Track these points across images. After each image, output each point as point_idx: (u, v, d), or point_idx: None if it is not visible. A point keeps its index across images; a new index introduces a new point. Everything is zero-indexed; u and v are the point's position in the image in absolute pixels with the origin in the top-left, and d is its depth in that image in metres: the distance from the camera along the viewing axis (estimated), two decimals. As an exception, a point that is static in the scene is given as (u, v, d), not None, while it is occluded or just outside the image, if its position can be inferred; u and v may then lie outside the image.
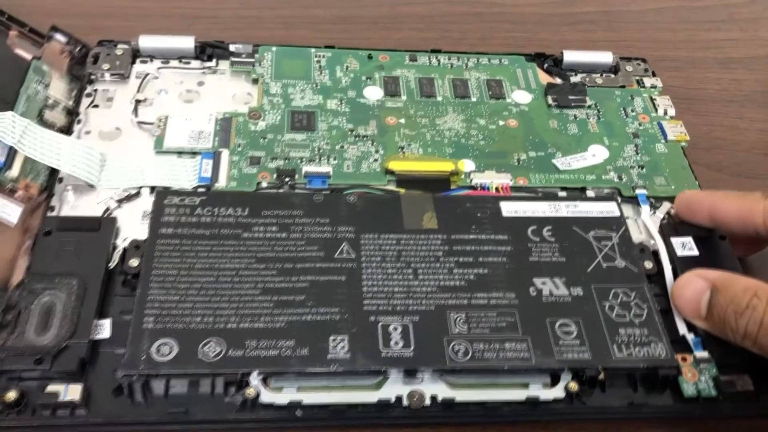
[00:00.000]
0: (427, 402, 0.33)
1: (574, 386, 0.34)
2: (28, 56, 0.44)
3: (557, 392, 0.34)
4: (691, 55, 0.58)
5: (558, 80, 0.51)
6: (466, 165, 0.43)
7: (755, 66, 0.58)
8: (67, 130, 0.43)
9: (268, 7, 0.58)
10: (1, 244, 0.37)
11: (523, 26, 0.59)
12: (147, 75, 0.47)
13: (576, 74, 0.51)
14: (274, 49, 0.49)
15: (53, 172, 0.40)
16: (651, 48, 0.53)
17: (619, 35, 0.59)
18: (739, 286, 0.34)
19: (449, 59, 0.51)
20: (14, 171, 0.39)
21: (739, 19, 0.62)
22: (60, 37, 0.47)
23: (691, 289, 0.36)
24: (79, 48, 0.48)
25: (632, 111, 0.49)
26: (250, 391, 0.32)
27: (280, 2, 0.58)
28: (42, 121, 0.42)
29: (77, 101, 0.45)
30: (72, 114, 0.44)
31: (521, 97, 0.49)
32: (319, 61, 0.49)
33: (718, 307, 0.34)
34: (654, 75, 0.52)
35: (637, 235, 0.41)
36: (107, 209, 0.39)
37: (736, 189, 0.44)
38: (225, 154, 0.42)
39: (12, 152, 0.39)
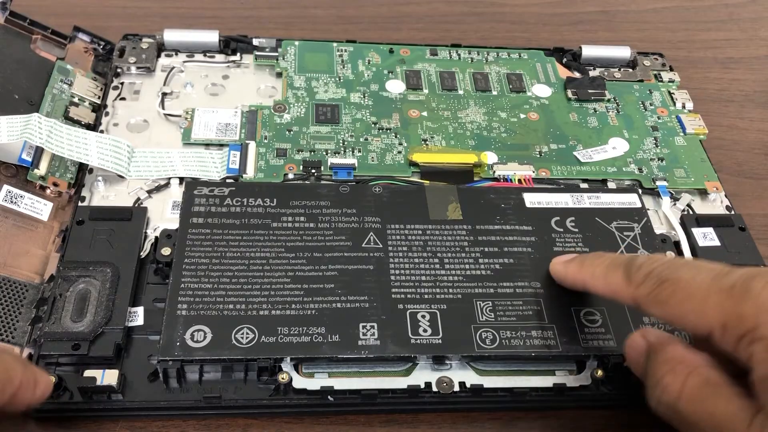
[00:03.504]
0: (456, 388, 0.34)
1: (599, 373, 0.34)
2: (52, 58, 0.45)
3: (583, 379, 0.35)
4: (691, 55, 0.58)
5: (577, 74, 0.51)
6: (489, 157, 0.44)
7: (755, 66, 0.58)
8: (93, 125, 0.44)
9: (268, 7, 0.58)
10: (34, 240, 0.38)
11: (523, 26, 0.59)
12: (172, 68, 0.47)
13: (594, 69, 0.52)
14: (297, 43, 0.50)
15: (82, 167, 0.41)
16: (651, 48, 0.54)
17: (619, 35, 0.59)
18: (662, 356, 0.29)
19: (469, 53, 0.51)
20: (42, 169, 0.39)
21: (739, 19, 0.62)
22: (83, 37, 0.48)
23: (633, 350, 0.32)
24: (102, 45, 0.49)
25: (651, 105, 0.49)
26: (282, 377, 0.33)
27: (280, 2, 0.59)
28: (68, 118, 0.43)
29: (104, 95, 0.45)
30: (98, 110, 0.45)
31: (541, 90, 0.49)
32: (341, 55, 0.50)
33: (645, 376, 0.30)
34: (671, 69, 0.52)
35: (658, 226, 0.41)
36: (138, 199, 0.40)
37: (735, 189, 0.45)
38: (252, 145, 0.43)
39: (39, 151, 0.40)
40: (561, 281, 0.36)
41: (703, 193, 0.44)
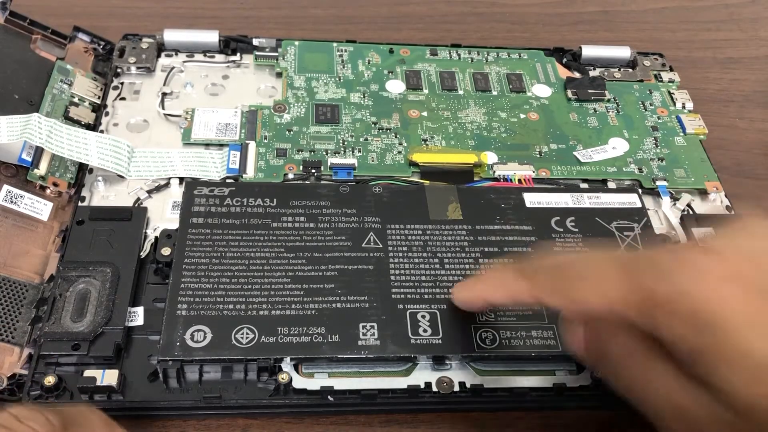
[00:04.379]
0: (456, 388, 0.34)
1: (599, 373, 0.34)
2: (51, 58, 0.45)
3: (583, 379, 0.35)
4: (691, 55, 0.58)
5: (577, 74, 0.51)
6: (489, 157, 0.44)
7: (755, 66, 0.58)
8: (93, 125, 0.43)
9: (268, 7, 0.58)
10: (34, 240, 0.38)
11: (523, 26, 0.59)
12: (172, 68, 0.47)
13: (594, 69, 0.52)
14: (297, 43, 0.50)
15: (82, 167, 0.41)
16: (651, 48, 0.54)
17: (619, 35, 0.59)
18: None
19: (469, 53, 0.51)
20: (42, 169, 0.39)
21: (739, 19, 0.62)
22: (83, 37, 0.48)
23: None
24: (102, 45, 0.49)
25: (651, 105, 0.49)
26: (282, 377, 0.33)
27: (280, 2, 0.59)
28: (68, 118, 0.43)
29: (104, 95, 0.45)
30: (98, 110, 0.45)
31: (541, 90, 0.49)
32: (341, 55, 0.50)
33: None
34: (671, 70, 0.52)
35: (658, 226, 0.41)
36: (138, 199, 0.40)
37: (735, 189, 0.45)
38: (252, 146, 0.43)
39: (39, 151, 0.40)
40: (464, 305, 0.34)
41: (703, 193, 0.44)
